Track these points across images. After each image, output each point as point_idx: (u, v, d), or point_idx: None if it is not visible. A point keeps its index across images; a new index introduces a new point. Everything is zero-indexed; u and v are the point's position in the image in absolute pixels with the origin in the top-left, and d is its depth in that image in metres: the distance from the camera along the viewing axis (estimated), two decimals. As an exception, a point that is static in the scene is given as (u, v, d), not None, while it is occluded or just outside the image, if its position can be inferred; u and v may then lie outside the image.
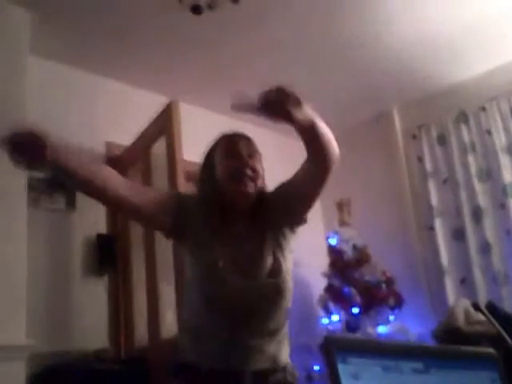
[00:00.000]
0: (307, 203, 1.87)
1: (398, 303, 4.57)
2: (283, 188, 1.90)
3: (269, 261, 1.79)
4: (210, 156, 1.95)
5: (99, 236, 3.92)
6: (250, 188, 1.83)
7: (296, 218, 1.89)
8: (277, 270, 1.78)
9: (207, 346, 1.77)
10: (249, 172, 1.83)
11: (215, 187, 1.86)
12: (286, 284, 1.78)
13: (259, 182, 1.86)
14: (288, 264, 1.83)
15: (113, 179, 1.79)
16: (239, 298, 1.75)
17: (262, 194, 1.87)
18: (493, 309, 3.42)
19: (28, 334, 2.95)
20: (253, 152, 1.88)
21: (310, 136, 1.68)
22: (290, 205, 1.85)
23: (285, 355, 1.84)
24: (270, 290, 1.76)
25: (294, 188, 1.86)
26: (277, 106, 1.55)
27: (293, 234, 1.90)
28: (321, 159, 1.73)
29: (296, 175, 1.85)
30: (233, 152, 1.86)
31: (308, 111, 1.61)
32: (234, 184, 1.82)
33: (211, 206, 1.85)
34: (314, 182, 1.81)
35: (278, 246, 1.83)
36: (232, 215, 1.85)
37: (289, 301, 1.81)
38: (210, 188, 1.88)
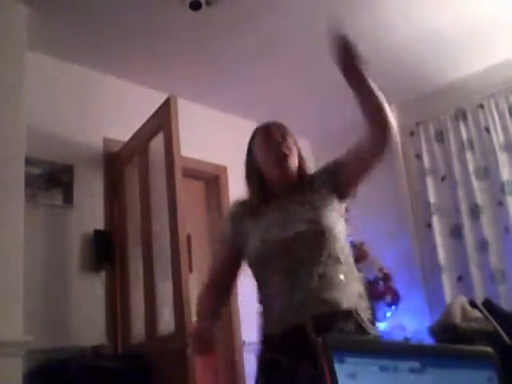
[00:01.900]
0: (356, 179, 2.01)
1: (395, 300, 4.57)
2: (331, 165, 2.04)
3: (307, 214, 1.93)
4: (249, 149, 2.14)
5: (96, 232, 3.92)
6: (289, 164, 2.02)
7: (343, 188, 2.01)
8: (315, 219, 1.91)
9: (272, 309, 1.93)
10: (285, 151, 2.02)
11: (259, 174, 2.07)
12: (326, 229, 1.89)
13: (296, 159, 2.05)
14: (332, 218, 1.94)
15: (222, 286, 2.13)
16: (281, 249, 1.90)
17: (302, 173, 2.07)
18: (490, 306, 3.43)
19: (25, 330, 2.95)
20: (285, 134, 2.08)
21: (368, 95, 1.85)
22: (340, 175, 1.99)
23: (344, 300, 1.85)
24: (309, 236, 1.89)
25: (347, 162, 1.99)
26: (351, 60, 1.80)
27: (340, 202, 2.02)
28: (378, 124, 1.86)
29: (348, 152, 1.99)
30: (267, 138, 2.06)
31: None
32: (275, 164, 2.03)
33: (258, 195, 2.07)
34: (371, 155, 1.93)
35: (320, 203, 1.96)
36: (276, 195, 2.05)
37: (337, 248, 1.91)
38: (255, 177, 2.09)
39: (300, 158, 2.09)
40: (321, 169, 2.08)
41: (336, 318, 1.82)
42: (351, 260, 1.98)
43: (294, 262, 1.89)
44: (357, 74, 1.83)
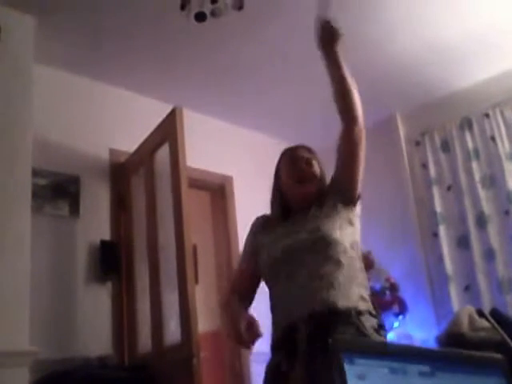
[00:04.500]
0: (349, 171, 2.06)
1: (402, 310, 4.55)
2: (332, 177, 2.13)
3: (308, 224, 2.01)
4: (277, 170, 2.24)
5: (103, 242, 3.92)
6: (312, 188, 2.11)
7: (345, 193, 2.07)
8: (315, 228, 1.98)
9: (276, 314, 2.01)
10: (306, 175, 2.12)
11: (282, 192, 2.17)
12: (324, 235, 1.95)
13: (318, 182, 2.14)
14: (332, 225, 1.99)
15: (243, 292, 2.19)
16: (283, 256, 1.99)
17: (321, 191, 2.13)
18: (497, 315, 3.42)
19: (31, 340, 2.95)
20: (311, 158, 2.16)
21: (338, 73, 2.04)
22: (337, 181, 2.08)
23: (341, 300, 1.87)
24: (309, 242, 1.96)
25: (336, 165, 2.08)
26: (328, 35, 2.03)
27: (348, 208, 2.06)
28: (346, 104, 2.02)
29: (336, 153, 2.09)
30: (292, 162, 2.16)
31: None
32: (298, 188, 2.12)
33: (277, 212, 2.17)
34: (346, 143, 2.03)
35: (322, 214, 2.03)
36: (296, 212, 2.12)
37: (337, 251, 1.94)
38: (278, 195, 2.19)
39: (322, 180, 2.16)
40: (327, 187, 2.16)
41: (332, 317, 1.83)
42: (357, 264, 2.00)
43: (295, 266, 1.96)
44: (332, 52, 2.05)
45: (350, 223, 2.05)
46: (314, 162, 2.15)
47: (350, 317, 1.84)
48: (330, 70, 2.08)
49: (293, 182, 2.13)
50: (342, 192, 2.06)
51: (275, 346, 1.97)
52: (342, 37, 2.00)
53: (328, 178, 2.18)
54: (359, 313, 1.86)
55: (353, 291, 1.91)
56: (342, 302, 1.86)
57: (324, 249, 1.94)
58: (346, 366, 0.73)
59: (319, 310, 1.85)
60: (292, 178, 2.13)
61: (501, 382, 1.00)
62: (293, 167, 2.15)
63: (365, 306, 1.91)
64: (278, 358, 1.91)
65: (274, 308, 2.03)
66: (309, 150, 2.21)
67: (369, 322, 1.86)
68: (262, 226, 2.19)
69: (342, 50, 2.03)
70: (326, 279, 1.90)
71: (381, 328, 1.90)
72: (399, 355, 0.83)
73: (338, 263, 1.93)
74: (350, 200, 2.07)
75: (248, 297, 2.17)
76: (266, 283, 2.11)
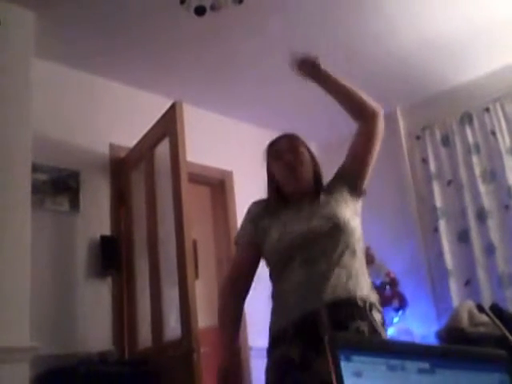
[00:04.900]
0: (363, 160, 2.11)
1: (402, 305, 4.55)
2: (340, 167, 2.15)
3: (321, 211, 2.02)
4: (267, 166, 2.23)
5: (103, 238, 3.92)
6: (303, 177, 2.10)
7: (355, 181, 2.10)
8: (329, 215, 2.00)
9: (287, 302, 1.96)
10: (294, 165, 2.10)
11: (277, 187, 2.16)
12: (341, 223, 1.97)
13: (310, 167, 2.13)
14: (346, 213, 2.02)
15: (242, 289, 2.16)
16: (299, 241, 1.98)
17: (317, 177, 2.14)
18: (497, 310, 3.41)
19: (32, 335, 2.95)
20: (296, 146, 2.15)
21: (337, 86, 2.10)
22: (349, 169, 2.10)
23: (359, 289, 1.91)
24: (325, 229, 1.97)
25: (350, 154, 2.13)
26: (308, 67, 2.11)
27: (353, 198, 2.09)
28: (359, 105, 2.10)
29: (349, 147, 2.13)
30: (277, 156, 2.15)
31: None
32: (289, 180, 2.11)
33: (276, 202, 2.15)
34: (364, 137, 2.10)
35: (334, 202, 2.05)
36: (293, 200, 2.12)
37: (353, 240, 1.98)
38: (272, 186, 2.18)
39: (314, 164, 2.16)
40: (333, 175, 2.16)
41: (350, 308, 1.86)
42: (363, 254, 2.05)
43: (313, 253, 1.95)
44: (321, 76, 2.11)
45: (357, 215, 2.09)
46: (299, 147, 2.15)
47: (365, 310, 1.87)
48: (329, 91, 2.13)
49: (285, 174, 2.11)
50: (352, 180, 2.09)
51: (284, 336, 1.91)
52: (318, 59, 2.07)
53: (319, 162, 2.20)
54: (371, 306, 1.90)
55: (364, 280, 1.96)
56: (360, 291, 1.90)
57: (341, 236, 1.96)
58: (343, 363, 0.72)
59: (338, 298, 1.87)
60: (283, 171, 2.12)
61: (503, 379, 0.99)
62: (280, 161, 2.13)
63: (374, 297, 1.96)
64: (284, 349, 1.88)
65: (283, 296, 1.99)
66: (290, 138, 2.20)
67: (378, 318, 1.91)
68: (262, 210, 2.16)
69: (327, 66, 2.10)
70: (345, 267, 1.93)
71: (383, 324, 1.93)
72: (397, 352, 0.82)
73: (354, 252, 1.97)
74: (356, 190, 2.10)
75: (246, 284, 2.15)
76: (273, 269, 2.07)
